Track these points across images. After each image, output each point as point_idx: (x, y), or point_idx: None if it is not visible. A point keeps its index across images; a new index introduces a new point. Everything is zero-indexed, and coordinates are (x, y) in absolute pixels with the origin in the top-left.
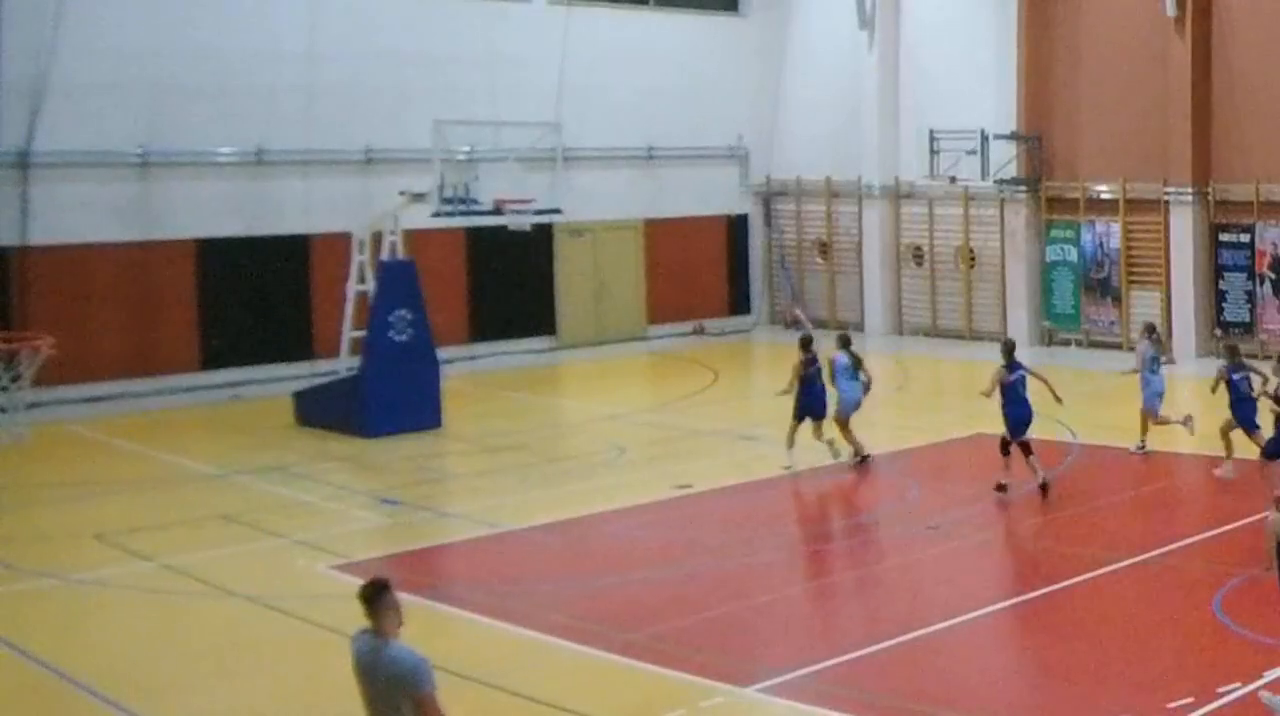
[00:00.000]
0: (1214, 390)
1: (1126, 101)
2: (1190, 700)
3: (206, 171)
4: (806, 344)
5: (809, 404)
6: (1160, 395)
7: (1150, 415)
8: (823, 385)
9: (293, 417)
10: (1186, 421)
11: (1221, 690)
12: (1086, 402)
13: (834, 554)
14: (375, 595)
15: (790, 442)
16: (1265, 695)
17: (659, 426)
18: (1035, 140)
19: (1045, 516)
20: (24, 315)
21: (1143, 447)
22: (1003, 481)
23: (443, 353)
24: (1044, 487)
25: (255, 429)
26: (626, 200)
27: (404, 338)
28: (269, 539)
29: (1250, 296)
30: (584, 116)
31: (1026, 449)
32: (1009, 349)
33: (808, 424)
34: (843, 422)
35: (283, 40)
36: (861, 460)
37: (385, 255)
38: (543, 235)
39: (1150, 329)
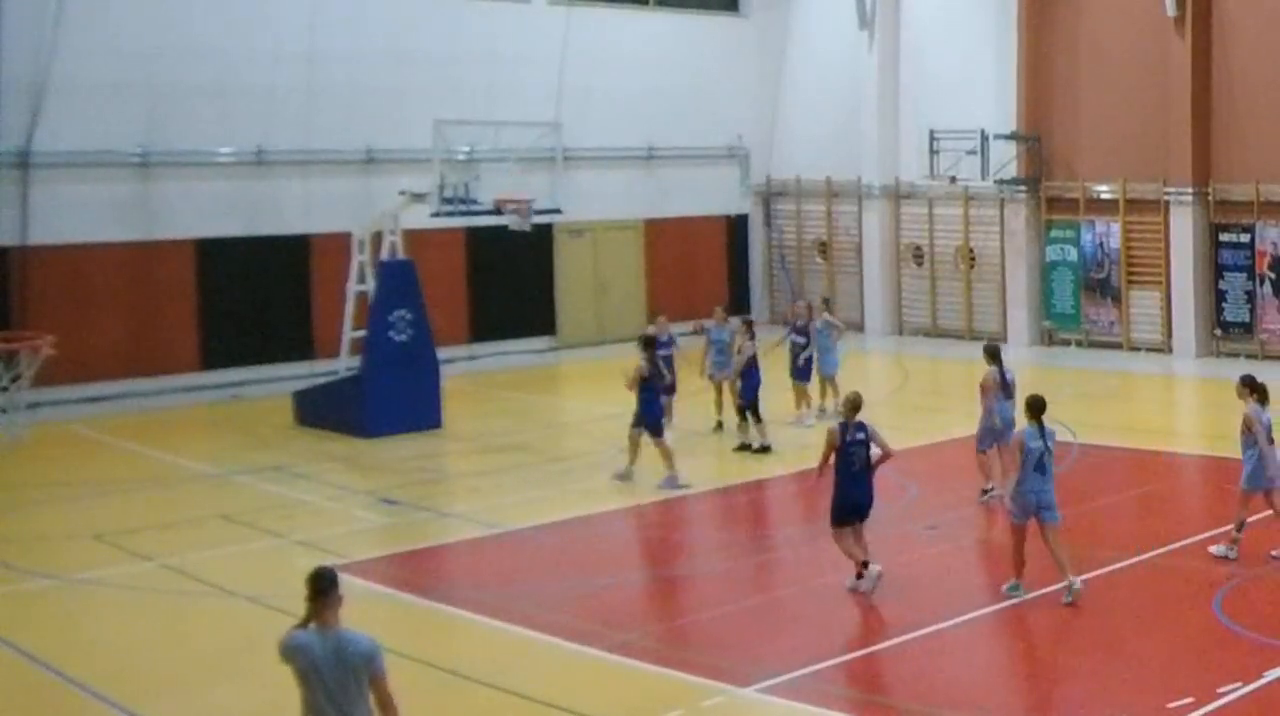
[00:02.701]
0: None
1: (1126, 101)
2: (1190, 700)
3: (206, 171)
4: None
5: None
6: None
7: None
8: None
9: (293, 417)
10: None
11: (1221, 690)
12: (1086, 403)
13: (833, 553)
14: (331, 586)
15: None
16: None
17: None
18: (1035, 140)
19: None
20: (24, 315)
21: None
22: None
23: (443, 353)
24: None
25: (255, 429)
26: (626, 200)
27: (404, 338)
28: (268, 539)
29: (1250, 296)
30: (584, 116)
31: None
32: (748, 323)
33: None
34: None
35: (283, 40)
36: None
37: (385, 255)
38: (543, 235)
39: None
